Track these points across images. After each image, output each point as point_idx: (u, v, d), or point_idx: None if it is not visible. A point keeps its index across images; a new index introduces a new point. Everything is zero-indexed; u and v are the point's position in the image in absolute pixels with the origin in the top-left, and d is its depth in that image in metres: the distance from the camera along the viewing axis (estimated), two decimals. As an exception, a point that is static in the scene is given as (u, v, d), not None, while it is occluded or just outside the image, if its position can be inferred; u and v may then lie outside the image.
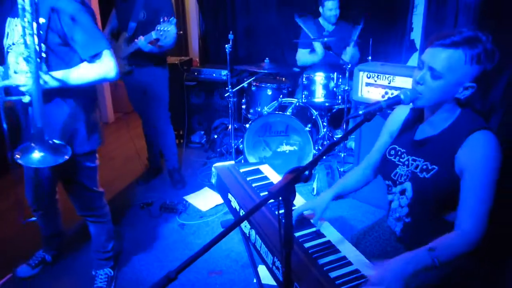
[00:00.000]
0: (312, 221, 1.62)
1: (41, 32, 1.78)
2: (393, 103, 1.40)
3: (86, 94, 2.04)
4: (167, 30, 2.92)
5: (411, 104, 1.43)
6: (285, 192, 1.06)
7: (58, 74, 1.85)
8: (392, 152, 1.62)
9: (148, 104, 3.42)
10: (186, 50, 5.78)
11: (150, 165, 3.85)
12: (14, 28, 1.86)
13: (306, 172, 1.11)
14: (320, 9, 3.95)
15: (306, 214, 1.65)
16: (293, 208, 1.64)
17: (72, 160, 1.99)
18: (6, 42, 1.91)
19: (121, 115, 5.70)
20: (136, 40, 3.06)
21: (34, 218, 2.36)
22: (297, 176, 1.08)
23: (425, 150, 1.49)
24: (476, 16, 3.15)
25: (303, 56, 4.08)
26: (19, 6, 1.67)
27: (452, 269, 1.46)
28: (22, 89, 1.78)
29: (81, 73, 1.90)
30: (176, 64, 4.27)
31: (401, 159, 1.57)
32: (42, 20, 1.78)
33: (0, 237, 2.90)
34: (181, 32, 5.26)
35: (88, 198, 2.21)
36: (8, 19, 1.91)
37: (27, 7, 1.67)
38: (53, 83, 1.82)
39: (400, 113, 1.66)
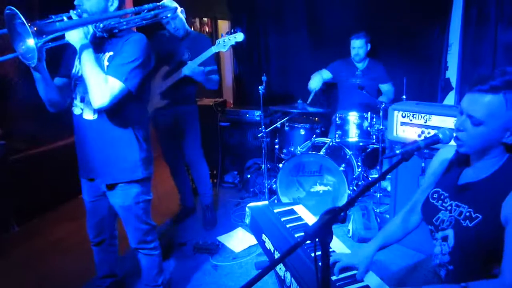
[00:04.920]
0: (356, 276, 1.54)
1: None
2: (431, 142, 1.37)
3: (141, 121, 2.16)
4: (233, 38, 2.97)
5: (452, 142, 1.39)
6: (322, 233, 1.04)
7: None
8: (435, 195, 1.55)
9: (185, 140, 3.46)
10: (220, 92, 5.94)
11: (183, 205, 3.87)
12: None
13: (342, 213, 1.09)
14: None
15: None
16: (335, 261, 1.61)
17: (131, 193, 2.14)
18: (75, 73, 2.05)
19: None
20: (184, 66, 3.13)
21: None
22: (334, 216, 1.06)
23: (468, 195, 1.42)
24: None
25: (322, 77, 4.12)
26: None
27: None
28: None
29: (95, 66, 1.86)
30: (211, 106, 4.38)
31: (444, 204, 1.50)
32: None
33: (43, 274, 2.93)
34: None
35: (143, 231, 2.26)
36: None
37: None
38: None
39: (445, 155, 1.60)
